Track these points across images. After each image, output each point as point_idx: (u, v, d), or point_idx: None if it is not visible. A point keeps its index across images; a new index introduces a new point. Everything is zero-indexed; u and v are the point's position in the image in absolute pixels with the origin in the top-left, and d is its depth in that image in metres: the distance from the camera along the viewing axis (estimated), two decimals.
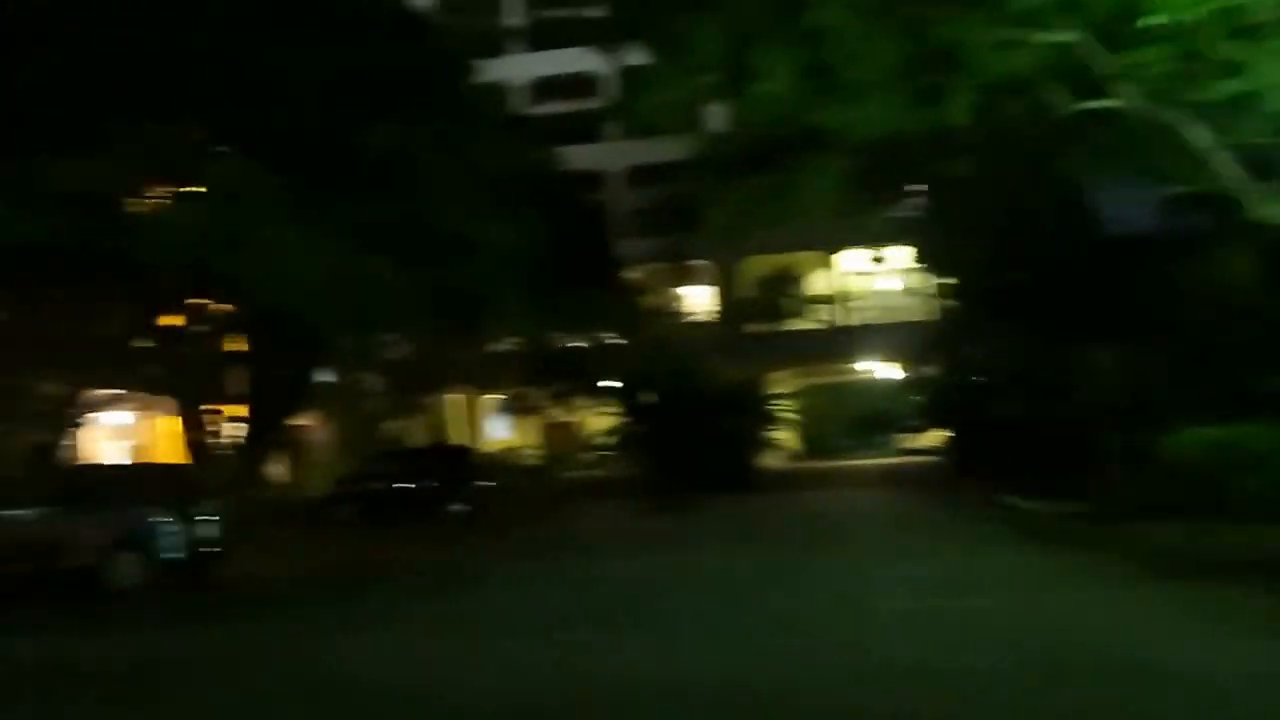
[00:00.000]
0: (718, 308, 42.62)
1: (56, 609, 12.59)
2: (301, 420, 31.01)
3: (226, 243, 11.92)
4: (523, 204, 17.05)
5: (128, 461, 23.54)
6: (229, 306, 24.37)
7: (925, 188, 17.24)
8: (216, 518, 14.93)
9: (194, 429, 23.89)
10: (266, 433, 24.72)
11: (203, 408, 24.16)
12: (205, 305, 23.73)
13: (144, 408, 27.16)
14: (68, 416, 20.97)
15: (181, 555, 14.01)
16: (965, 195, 15.29)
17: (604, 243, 30.48)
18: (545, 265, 18.33)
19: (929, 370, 28.91)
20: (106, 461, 21.82)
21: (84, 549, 13.43)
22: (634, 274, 35.60)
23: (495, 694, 7.25)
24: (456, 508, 23.13)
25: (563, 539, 18.53)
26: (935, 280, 24.15)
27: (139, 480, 14.99)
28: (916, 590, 10.67)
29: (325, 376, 29.81)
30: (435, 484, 23.54)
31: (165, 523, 13.89)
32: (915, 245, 20.74)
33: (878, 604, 9.98)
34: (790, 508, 21.89)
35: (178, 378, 23.36)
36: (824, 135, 11.69)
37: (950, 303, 22.68)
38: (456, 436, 39.11)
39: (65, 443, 21.11)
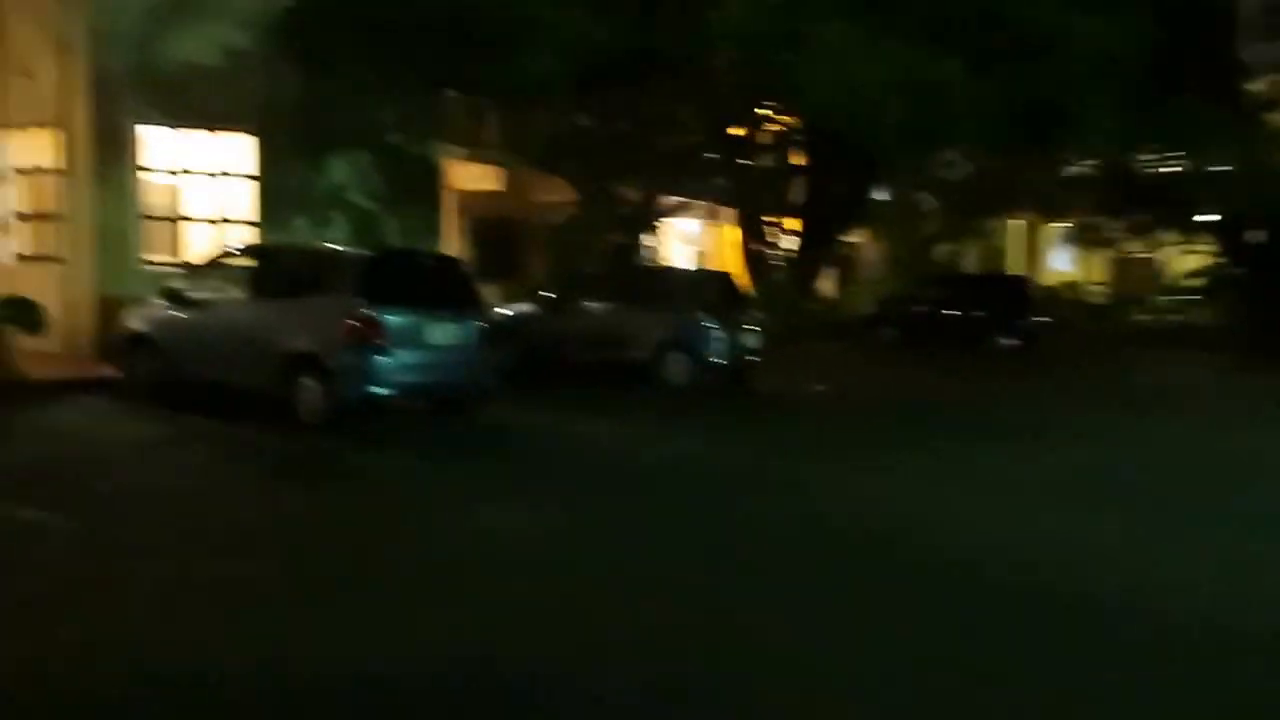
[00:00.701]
0: None
1: (614, 396, 13.62)
2: (853, 237, 30.80)
3: (786, 42, 11.22)
4: None
5: (685, 268, 24.94)
6: (791, 119, 24.44)
7: None
8: (757, 328, 15.16)
9: (752, 239, 24.73)
10: (818, 248, 24.81)
11: (761, 219, 24.85)
12: (769, 117, 24.01)
13: (709, 216, 28.61)
14: (643, 221, 22.56)
15: (724, 360, 14.40)
16: None
17: (1223, 46, 25.17)
18: (1145, 71, 15.26)
19: None
20: (668, 266, 23.18)
21: (642, 345, 14.36)
22: (1259, 86, 29.30)
23: (1020, 575, 6.10)
24: (1005, 341, 21.47)
25: (1124, 392, 16.18)
26: None
27: (693, 286, 15.54)
28: None
29: (881, 194, 29.10)
30: (984, 314, 22.02)
31: (712, 328, 14.30)
32: None
33: None
34: None
35: (741, 188, 24.04)
36: None
37: None
38: (1013, 265, 36.50)
39: (640, 245, 22.82)
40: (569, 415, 11.95)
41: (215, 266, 11.12)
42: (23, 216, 14.33)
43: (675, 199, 23.54)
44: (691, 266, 25.83)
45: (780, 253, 25.83)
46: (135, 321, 11.20)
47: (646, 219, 22.59)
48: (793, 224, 25.35)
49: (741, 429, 11.62)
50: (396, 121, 15.49)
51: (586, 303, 15.17)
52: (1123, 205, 30.63)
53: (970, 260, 34.01)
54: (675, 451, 9.91)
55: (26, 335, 11.33)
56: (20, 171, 14.32)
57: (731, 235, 27.03)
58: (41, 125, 13.92)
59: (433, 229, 16.41)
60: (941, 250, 31.85)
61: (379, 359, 9.68)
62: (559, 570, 5.84)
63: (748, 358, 15.00)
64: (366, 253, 10.36)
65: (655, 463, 9.31)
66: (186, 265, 11.54)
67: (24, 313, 11.13)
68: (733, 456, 9.74)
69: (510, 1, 11.47)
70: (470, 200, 22.83)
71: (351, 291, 9.78)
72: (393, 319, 9.77)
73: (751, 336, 15.09)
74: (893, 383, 16.43)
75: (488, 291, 21.96)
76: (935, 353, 20.19)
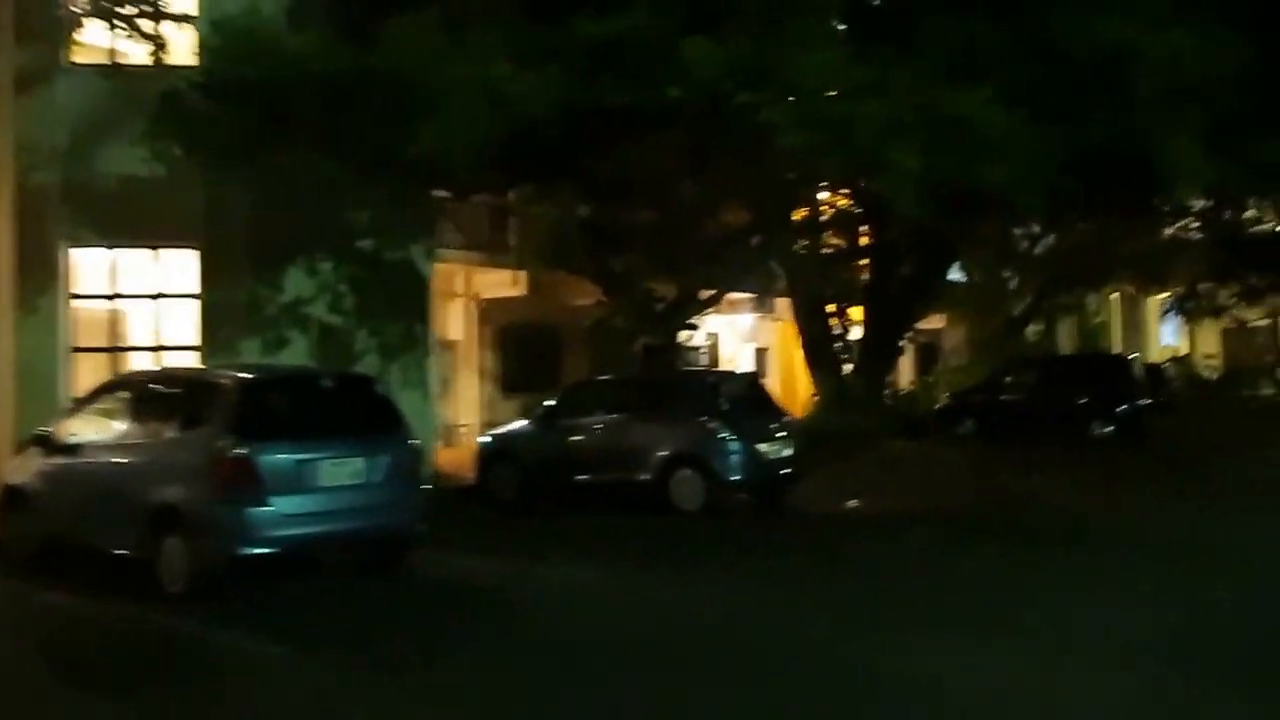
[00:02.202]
0: None
1: (608, 527, 11.29)
2: (930, 323, 28.07)
3: (758, 77, 9.01)
4: (1214, 5, 11.53)
5: (702, 371, 22.35)
6: (841, 198, 22.18)
7: None
8: (788, 436, 12.73)
9: (812, 331, 22.28)
10: (889, 337, 22.22)
11: (820, 310, 22.43)
12: (816, 196, 21.79)
13: (763, 308, 26.29)
14: (679, 318, 20.38)
15: (747, 478, 12.02)
16: None
17: None
18: (1248, 100, 12.40)
19: None
20: (684, 370, 20.35)
21: (645, 463, 12.11)
22: None
23: None
24: (1102, 430, 18.51)
25: (1251, 487, 13.13)
26: None
27: (707, 392, 13.15)
28: None
29: (955, 274, 26.43)
30: (1079, 399, 19.10)
31: (730, 440, 11.94)
32: None
33: None
34: None
35: (795, 275, 21.79)
36: None
37: None
38: (1112, 342, 33.27)
39: (676, 346, 20.61)
40: (538, 558, 9.68)
41: (92, 403, 9.27)
42: None
43: (715, 292, 21.27)
44: (706, 370, 23.11)
45: (846, 344, 23.36)
46: (14, 473, 9.43)
47: (682, 316, 20.37)
48: (855, 312, 22.92)
49: (747, 572, 9.10)
50: (368, 225, 13.77)
51: (586, 416, 13.00)
52: (1233, 268, 27.47)
53: (1064, 340, 30.94)
54: (649, 611, 7.57)
55: None
56: None
57: (786, 328, 24.72)
58: None
59: (420, 344, 14.49)
60: (1030, 331, 28.86)
61: (254, 509, 7.62)
62: None
63: (781, 472, 12.57)
64: (243, 376, 8.39)
65: (609, 632, 6.95)
66: (72, 403, 9.78)
67: None
68: (718, 616, 7.36)
69: (414, 66, 9.64)
70: (494, 308, 21.09)
71: (220, 426, 7.80)
72: (272, 457, 7.74)
73: (784, 446, 12.66)
74: (955, 490, 13.70)
75: (511, 407, 20.14)
76: (1018, 448, 17.28)
